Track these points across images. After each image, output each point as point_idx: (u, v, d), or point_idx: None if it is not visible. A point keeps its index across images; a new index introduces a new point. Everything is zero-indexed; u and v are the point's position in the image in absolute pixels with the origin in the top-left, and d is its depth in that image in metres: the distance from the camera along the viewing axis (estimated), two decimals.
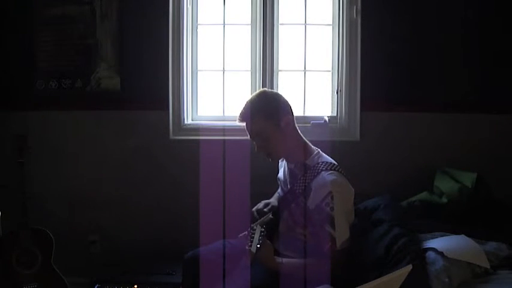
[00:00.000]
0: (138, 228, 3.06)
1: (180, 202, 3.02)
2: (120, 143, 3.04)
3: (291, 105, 2.14)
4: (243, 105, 2.13)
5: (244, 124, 2.12)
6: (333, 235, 1.94)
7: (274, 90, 2.15)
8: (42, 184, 2.97)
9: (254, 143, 2.13)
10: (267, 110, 2.07)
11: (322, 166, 2.04)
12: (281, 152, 2.14)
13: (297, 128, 2.16)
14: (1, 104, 3.02)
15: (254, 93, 2.19)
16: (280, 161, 2.31)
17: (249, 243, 1.87)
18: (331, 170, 2.03)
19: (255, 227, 1.95)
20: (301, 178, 2.07)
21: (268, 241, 1.95)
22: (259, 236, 1.88)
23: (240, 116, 2.12)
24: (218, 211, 2.83)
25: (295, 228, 2.09)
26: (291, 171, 2.17)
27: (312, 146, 2.17)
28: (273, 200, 2.31)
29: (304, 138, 2.16)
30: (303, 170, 2.08)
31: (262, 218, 2.14)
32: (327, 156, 2.14)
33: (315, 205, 1.97)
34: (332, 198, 1.94)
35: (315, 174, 2.03)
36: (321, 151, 2.16)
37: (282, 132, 2.07)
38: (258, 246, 1.85)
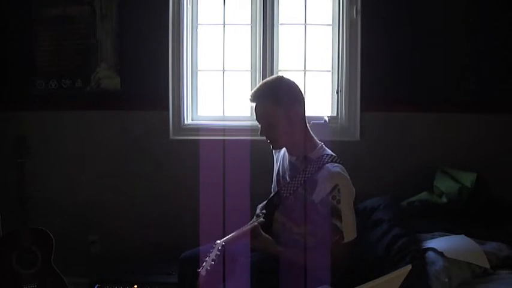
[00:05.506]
0: (138, 228, 3.06)
1: (180, 202, 3.02)
2: (120, 143, 3.04)
3: (304, 98, 2.11)
4: (257, 86, 2.11)
5: (253, 105, 2.08)
6: (340, 228, 1.93)
7: (291, 79, 2.11)
8: (42, 184, 2.97)
9: (259, 125, 2.10)
10: (280, 95, 2.03)
11: (326, 159, 2.02)
12: (284, 141, 2.10)
13: (306, 121, 2.11)
14: (1, 104, 3.02)
15: (271, 77, 2.15)
16: (275, 153, 2.30)
17: (203, 264, 1.93)
18: (335, 162, 2.02)
19: (214, 245, 1.98)
20: (303, 171, 2.06)
21: (266, 235, 2.01)
22: (214, 257, 1.92)
23: (251, 96, 2.08)
24: (218, 211, 2.83)
25: (292, 228, 2.08)
26: (291, 164, 2.14)
27: (317, 140, 2.14)
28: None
29: (311, 132, 2.12)
30: (305, 163, 2.06)
31: (250, 222, 2.13)
32: (330, 150, 2.11)
33: (321, 198, 1.95)
34: (339, 191, 1.93)
35: (319, 166, 2.01)
36: (324, 145, 2.13)
37: (290, 121, 2.04)
38: (208, 268, 1.88)
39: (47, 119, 3.05)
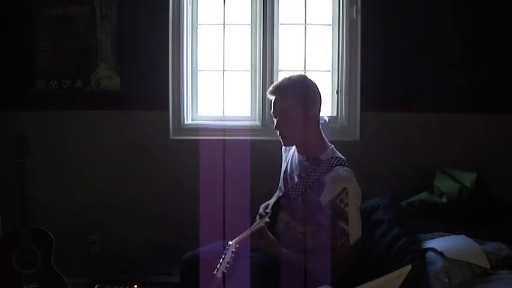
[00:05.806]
0: (138, 228, 3.06)
1: (180, 202, 3.02)
2: (120, 143, 3.04)
3: (322, 100, 2.13)
4: (280, 80, 2.11)
5: (273, 98, 2.08)
6: (347, 231, 1.94)
7: (313, 80, 2.14)
8: (42, 184, 2.97)
9: (275, 119, 2.10)
10: (302, 93, 2.05)
11: (335, 161, 2.03)
12: (297, 139, 2.11)
13: (320, 124, 2.13)
14: (1, 104, 3.02)
15: (294, 74, 2.15)
16: (284, 151, 2.30)
17: (217, 266, 1.87)
18: (344, 165, 2.03)
19: (227, 246, 1.95)
20: (311, 172, 2.06)
21: (272, 236, 2.00)
22: (229, 259, 1.89)
23: (273, 88, 2.08)
24: (218, 211, 2.84)
25: (296, 227, 2.08)
26: (301, 164, 2.14)
27: (328, 142, 2.14)
28: (272, 200, 2.30)
29: (323, 134, 2.13)
30: (315, 163, 2.07)
31: (254, 224, 2.13)
32: (340, 153, 2.12)
33: (328, 200, 1.96)
34: (347, 194, 1.94)
35: (328, 168, 2.01)
36: (334, 148, 2.14)
37: (306, 121, 2.05)
38: (225, 271, 1.84)
39: (47, 119, 3.04)
